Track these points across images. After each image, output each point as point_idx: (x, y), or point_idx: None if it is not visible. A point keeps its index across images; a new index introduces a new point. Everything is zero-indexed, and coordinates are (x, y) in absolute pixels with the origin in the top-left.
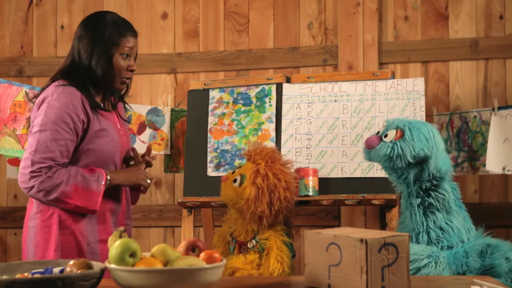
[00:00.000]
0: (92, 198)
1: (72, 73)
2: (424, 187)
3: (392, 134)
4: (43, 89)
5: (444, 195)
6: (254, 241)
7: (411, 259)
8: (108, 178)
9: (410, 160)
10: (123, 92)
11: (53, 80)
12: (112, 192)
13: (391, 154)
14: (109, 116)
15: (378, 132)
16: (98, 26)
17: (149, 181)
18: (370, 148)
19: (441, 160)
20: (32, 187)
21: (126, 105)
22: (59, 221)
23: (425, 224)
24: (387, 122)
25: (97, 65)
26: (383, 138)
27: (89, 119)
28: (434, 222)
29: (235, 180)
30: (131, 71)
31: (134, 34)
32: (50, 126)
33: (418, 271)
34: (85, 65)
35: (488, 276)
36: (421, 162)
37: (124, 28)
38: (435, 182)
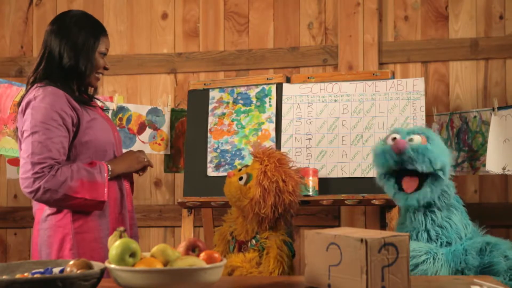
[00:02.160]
0: (99, 190)
1: (50, 74)
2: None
3: (417, 139)
4: (24, 96)
5: (448, 192)
6: (254, 240)
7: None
8: (110, 169)
9: (432, 167)
10: (93, 89)
11: (31, 84)
12: (116, 182)
13: (430, 157)
14: (94, 109)
15: (395, 138)
16: (82, 26)
17: (147, 161)
18: (400, 152)
19: (449, 170)
20: (38, 189)
21: (100, 101)
22: (73, 220)
23: (424, 224)
24: (395, 129)
25: (86, 65)
26: (410, 142)
27: (78, 113)
28: (433, 221)
29: (240, 178)
30: (107, 69)
31: (107, 33)
32: (41, 127)
33: (416, 268)
34: (70, 65)
35: (487, 275)
36: (433, 172)
37: (102, 28)
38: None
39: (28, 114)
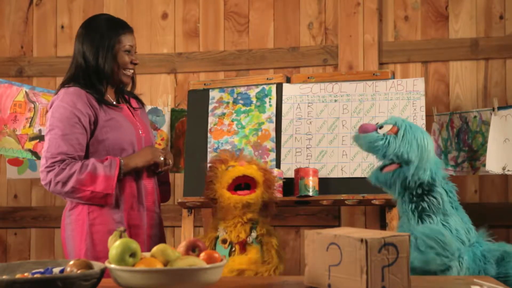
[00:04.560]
0: (106, 182)
1: (79, 76)
2: (415, 193)
3: (387, 127)
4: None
5: (437, 199)
6: (254, 234)
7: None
8: (122, 163)
9: (392, 157)
10: (129, 86)
11: (61, 85)
12: (133, 178)
13: (376, 144)
14: (118, 110)
15: (377, 123)
16: (98, 28)
17: (162, 158)
18: (362, 132)
19: (426, 169)
20: (50, 182)
21: (142, 102)
22: (88, 213)
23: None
24: (390, 117)
25: (104, 63)
26: (378, 129)
27: (96, 112)
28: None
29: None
30: (135, 64)
31: (131, 31)
32: (58, 124)
33: (442, 273)
34: (92, 65)
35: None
36: (401, 163)
37: (121, 27)
38: (426, 188)
39: (50, 112)
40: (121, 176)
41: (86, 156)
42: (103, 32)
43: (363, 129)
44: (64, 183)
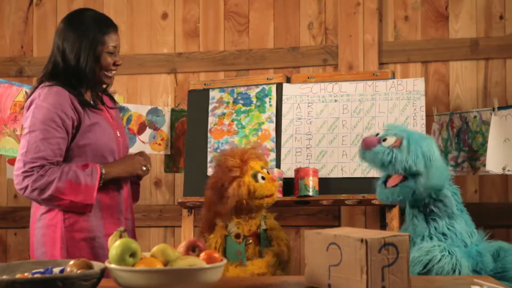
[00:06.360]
0: (87, 192)
1: (58, 74)
2: (426, 201)
3: (391, 140)
4: (31, 93)
5: (445, 202)
6: (263, 225)
7: (425, 257)
8: (103, 172)
9: (400, 171)
10: (106, 85)
11: (39, 82)
12: (113, 186)
13: (384, 161)
14: (100, 112)
15: (378, 134)
16: (81, 26)
17: (144, 168)
18: (366, 148)
19: (436, 177)
20: (26, 187)
21: (115, 100)
22: (64, 219)
23: (427, 231)
24: (388, 126)
25: (85, 65)
26: (382, 142)
27: (80, 116)
28: (435, 229)
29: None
30: (118, 65)
31: (116, 29)
32: (39, 126)
33: (433, 267)
34: (72, 66)
35: (500, 281)
36: (412, 175)
37: (106, 26)
38: (436, 192)
39: (30, 112)
40: (100, 185)
41: (64, 162)
42: (85, 31)
43: (367, 144)
44: (42, 190)
